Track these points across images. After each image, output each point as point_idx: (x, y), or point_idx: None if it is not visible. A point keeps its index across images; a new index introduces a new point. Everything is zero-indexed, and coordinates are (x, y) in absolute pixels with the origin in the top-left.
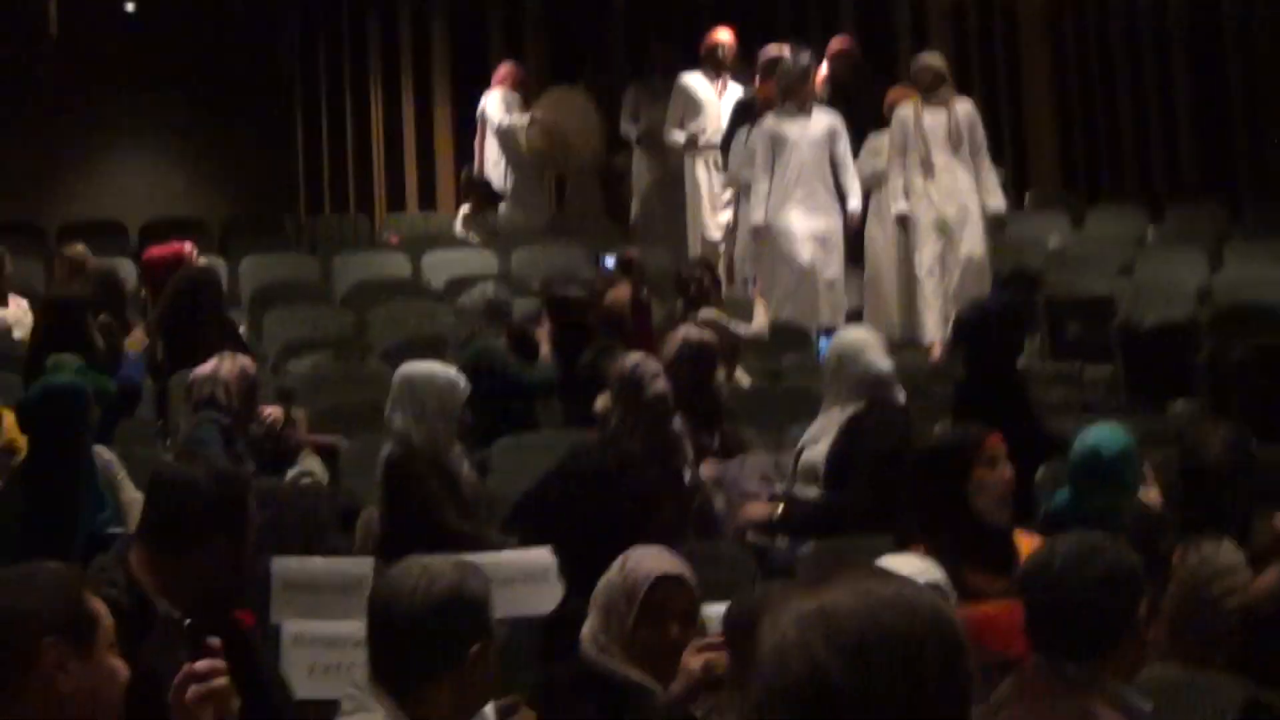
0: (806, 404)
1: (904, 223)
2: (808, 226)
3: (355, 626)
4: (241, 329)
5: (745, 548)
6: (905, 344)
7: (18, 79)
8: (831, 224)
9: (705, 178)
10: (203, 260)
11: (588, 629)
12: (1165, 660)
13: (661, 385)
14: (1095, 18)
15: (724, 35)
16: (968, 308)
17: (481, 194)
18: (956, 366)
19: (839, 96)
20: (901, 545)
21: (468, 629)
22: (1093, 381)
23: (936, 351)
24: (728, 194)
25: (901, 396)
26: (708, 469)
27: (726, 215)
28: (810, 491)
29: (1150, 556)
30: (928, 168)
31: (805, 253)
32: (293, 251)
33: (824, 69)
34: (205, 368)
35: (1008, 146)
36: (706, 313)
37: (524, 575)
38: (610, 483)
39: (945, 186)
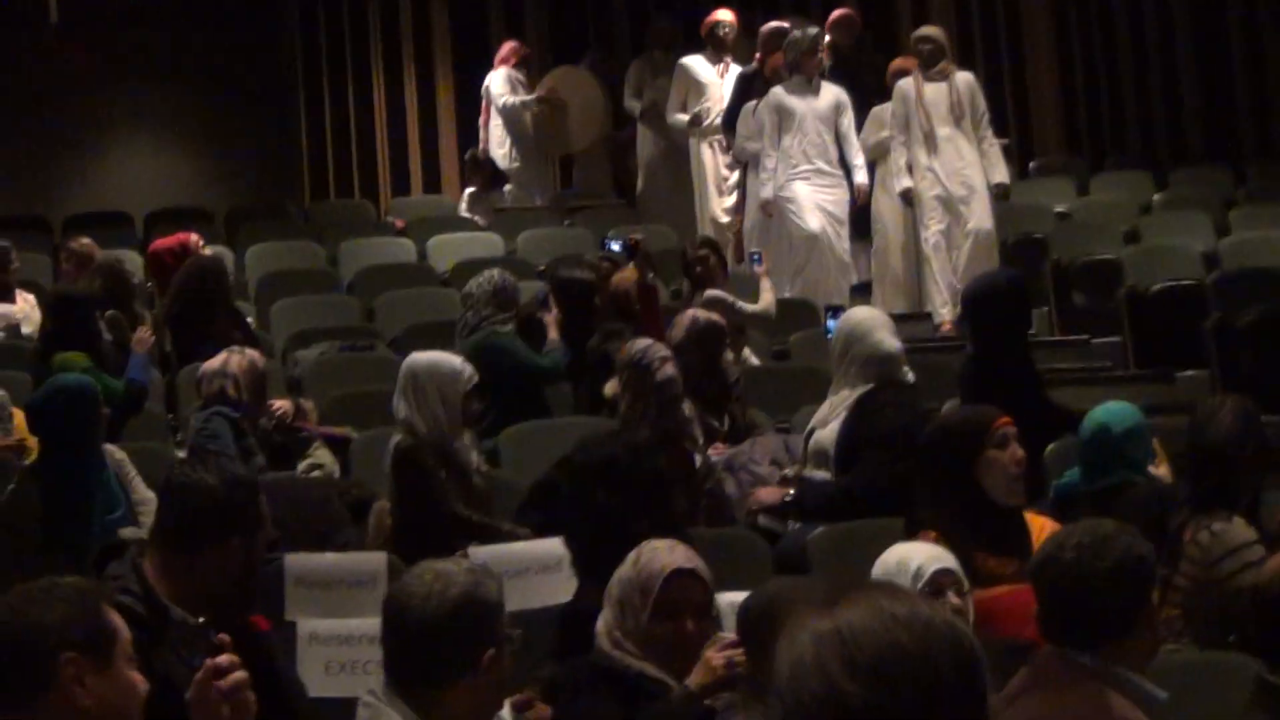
0: (815, 383)
1: (908, 199)
2: (815, 198)
3: (370, 624)
4: (249, 319)
5: (757, 532)
6: (914, 316)
7: (19, 69)
8: (838, 197)
9: (710, 159)
10: (208, 250)
11: (602, 623)
12: (1179, 639)
13: (670, 370)
14: None
15: (725, 14)
16: (975, 282)
17: (486, 174)
18: (965, 340)
19: (840, 66)
20: (912, 530)
21: (482, 634)
22: (1100, 350)
23: (946, 325)
24: (734, 177)
25: (911, 376)
26: (718, 452)
27: (732, 200)
28: (821, 474)
29: (1161, 534)
30: (931, 142)
31: (814, 221)
32: (298, 238)
33: (825, 38)
34: (214, 362)
35: (1011, 115)
36: (712, 292)
37: (537, 566)
38: (621, 473)
39: (949, 161)
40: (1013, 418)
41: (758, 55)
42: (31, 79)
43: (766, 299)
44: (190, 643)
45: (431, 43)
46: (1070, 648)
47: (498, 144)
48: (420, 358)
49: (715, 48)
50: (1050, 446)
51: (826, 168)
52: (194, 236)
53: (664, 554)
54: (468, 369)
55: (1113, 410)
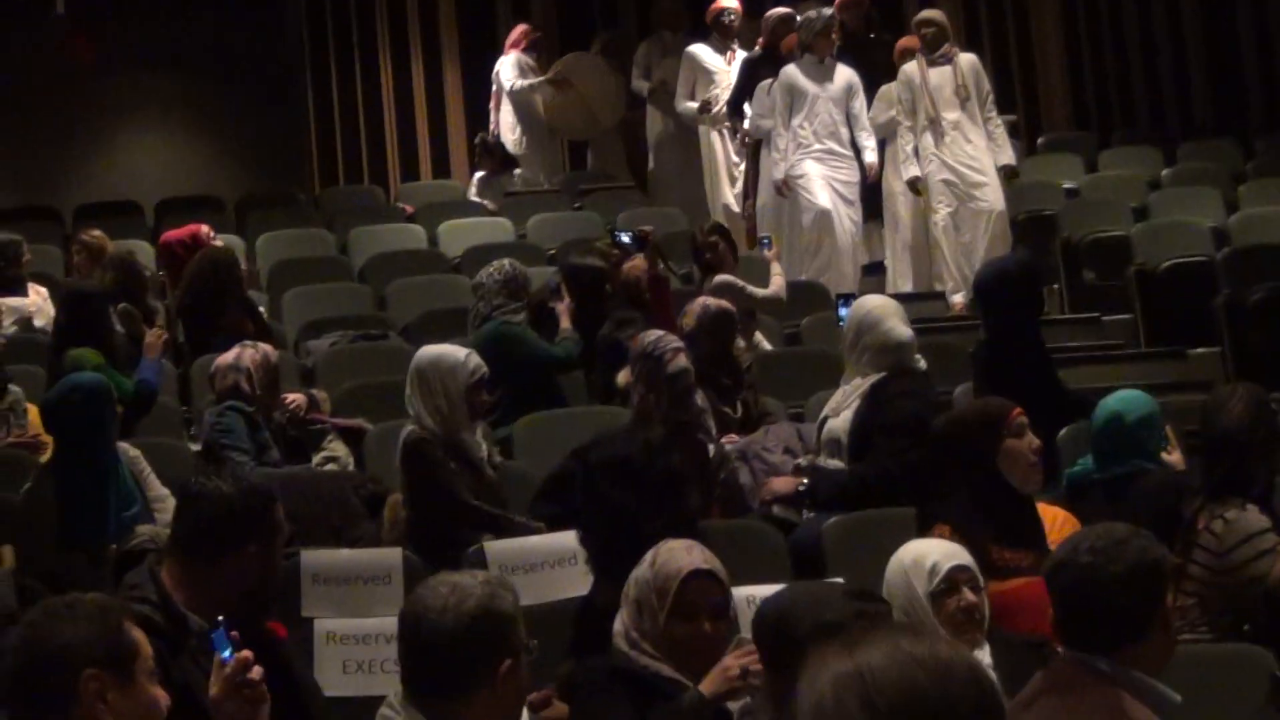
0: (828, 368)
1: (915, 188)
2: (826, 176)
3: (387, 623)
4: (261, 309)
5: (771, 523)
6: (926, 295)
7: (27, 60)
8: (849, 177)
9: (720, 146)
10: (219, 241)
11: (619, 623)
12: (1193, 628)
13: (683, 361)
14: None
15: (730, 1)
16: (987, 267)
17: (496, 158)
18: (977, 321)
19: (850, 46)
20: (925, 523)
21: (498, 645)
22: (1111, 327)
23: (957, 306)
24: (741, 165)
25: (923, 363)
26: (731, 441)
27: (739, 186)
28: (834, 463)
29: (1175, 523)
30: (937, 127)
31: (824, 198)
32: (308, 226)
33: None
34: (227, 356)
35: (1019, 90)
36: (722, 278)
37: (551, 560)
38: (636, 472)
39: (957, 146)
40: (1025, 403)
41: (761, 41)
42: (39, 70)
43: (777, 283)
44: (208, 651)
45: (438, 27)
46: (1085, 651)
47: (509, 129)
48: (426, 352)
49: (721, 34)
50: (1063, 432)
51: (838, 148)
52: (205, 228)
53: (682, 555)
54: (473, 361)
55: (1126, 398)
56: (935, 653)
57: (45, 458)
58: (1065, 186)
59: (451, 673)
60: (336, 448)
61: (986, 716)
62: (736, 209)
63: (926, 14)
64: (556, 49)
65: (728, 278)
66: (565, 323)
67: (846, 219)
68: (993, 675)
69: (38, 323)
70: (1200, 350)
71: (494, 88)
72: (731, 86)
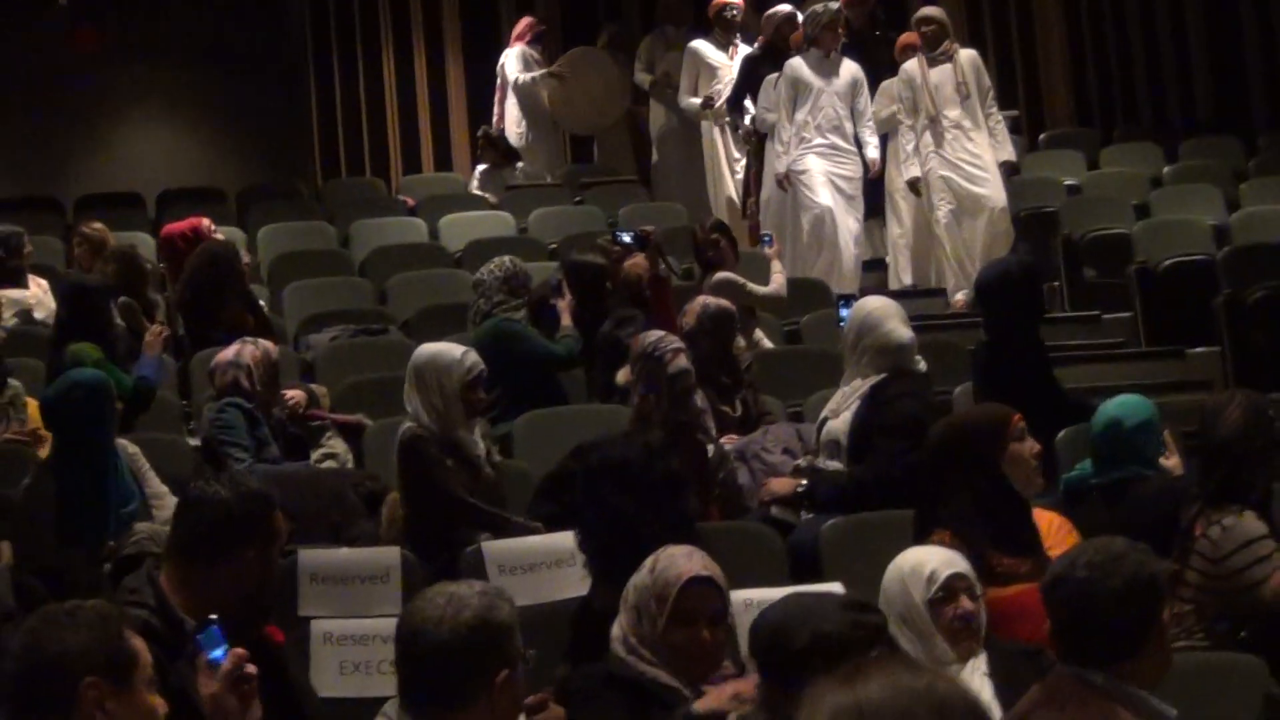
0: (828, 366)
1: (915, 188)
2: (828, 172)
3: (384, 624)
4: (262, 302)
5: (769, 524)
6: (928, 291)
7: (30, 50)
8: (852, 172)
9: (722, 142)
10: (220, 234)
11: (618, 628)
12: (1190, 634)
13: (683, 361)
14: None
15: None
16: (988, 269)
17: (499, 151)
18: (978, 318)
19: (854, 44)
20: (923, 529)
21: (495, 656)
22: (1111, 326)
23: (958, 303)
24: (742, 160)
25: (923, 365)
26: (730, 441)
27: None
28: (833, 464)
29: (1172, 529)
30: (938, 125)
31: (825, 196)
32: (310, 218)
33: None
34: (227, 353)
35: (1021, 86)
36: (722, 275)
37: (549, 560)
38: (635, 476)
39: (958, 143)
40: (1024, 404)
41: (762, 38)
42: (42, 60)
43: (777, 280)
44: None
45: (441, 19)
46: (1081, 665)
47: (514, 122)
48: (423, 350)
49: (723, 29)
50: (1061, 435)
51: (841, 143)
52: (206, 221)
53: (682, 561)
54: (470, 359)
55: (1125, 403)
56: (933, 688)
57: (45, 453)
58: (1066, 183)
59: (448, 684)
60: (335, 444)
61: None
62: (739, 204)
63: (926, 11)
64: (560, 42)
65: (728, 275)
66: (566, 320)
67: (847, 217)
68: (989, 712)
69: (38, 315)
70: (1200, 350)
71: (499, 80)
72: (732, 83)
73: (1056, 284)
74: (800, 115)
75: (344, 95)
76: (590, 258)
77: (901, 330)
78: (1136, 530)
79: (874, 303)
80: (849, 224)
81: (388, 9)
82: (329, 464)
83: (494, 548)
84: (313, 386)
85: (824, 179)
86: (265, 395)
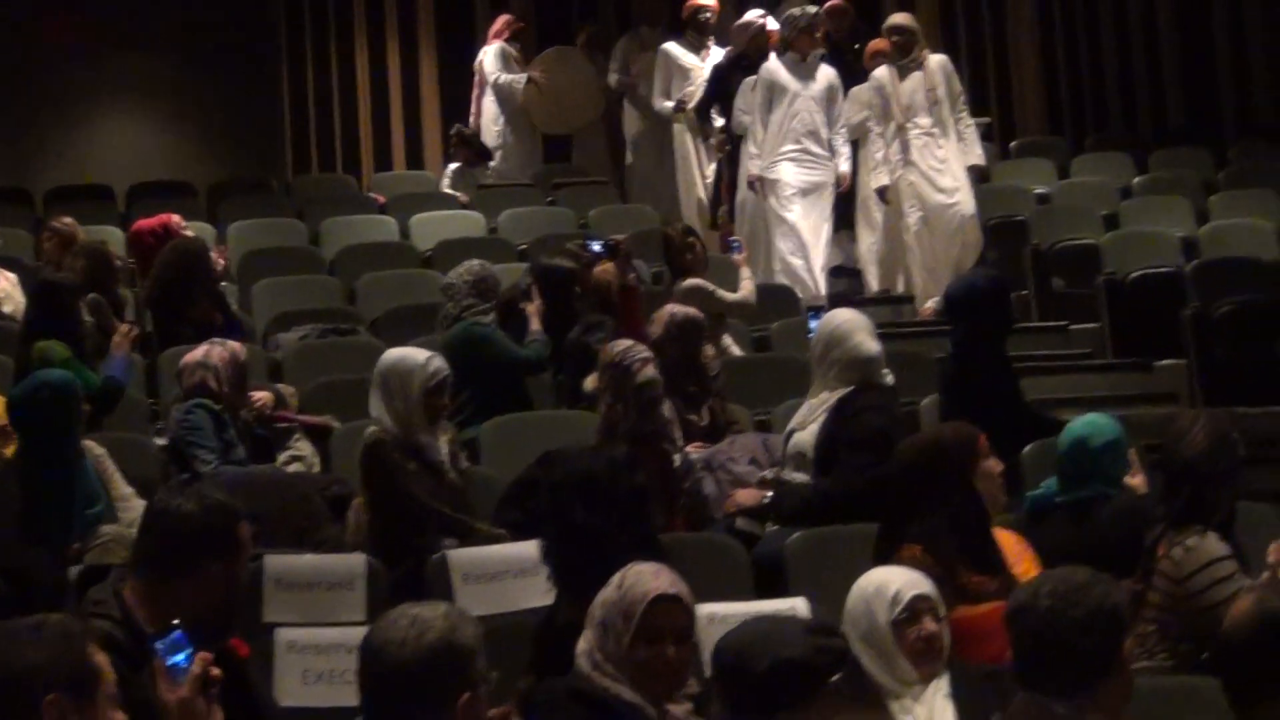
0: (795, 375)
1: (884, 196)
2: (800, 180)
3: (348, 633)
4: (232, 300)
5: (734, 535)
6: (897, 298)
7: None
8: (824, 178)
9: (694, 145)
10: (190, 230)
11: (584, 644)
12: (1153, 655)
13: (650, 371)
14: None
15: None
16: (956, 283)
17: (472, 149)
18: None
19: (834, 57)
20: (889, 545)
21: (457, 680)
22: (1079, 336)
23: (927, 311)
24: (711, 167)
25: (890, 379)
26: (697, 450)
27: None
28: (800, 476)
29: (1136, 550)
30: (908, 134)
31: (795, 212)
32: (280, 214)
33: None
34: (195, 354)
35: (994, 93)
36: (692, 281)
37: (514, 570)
38: (600, 490)
39: (928, 151)
40: (989, 420)
41: (733, 48)
42: (13, 49)
43: (747, 287)
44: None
45: (416, 15)
46: (1043, 694)
47: (491, 120)
48: (388, 355)
49: (697, 31)
50: (1027, 451)
51: (815, 148)
52: (175, 217)
53: (649, 578)
54: (433, 364)
55: (1092, 423)
56: None
57: (10, 451)
58: (1037, 192)
59: (410, 706)
60: (302, 447)
61: None
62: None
63: (896, 20)
64: (535, 41)
65: (698, 281)
66: (535, 325)
67: (819, 228)
68: None
69: (5, 309)
70: (1167, 362)
71: (476, 78)
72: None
73: (1025, 293)
74: (775, 119)
75: (316, 90)
76: (559, 262)
77: (869, 344)
78: (1100, 550)
79: (842, 315)
80: (819, 235)
81: (362, 4)
82: (295, 466)
83: (458, 556)
84: (280, 386)
85: (796, 190)
86: (232, 397)
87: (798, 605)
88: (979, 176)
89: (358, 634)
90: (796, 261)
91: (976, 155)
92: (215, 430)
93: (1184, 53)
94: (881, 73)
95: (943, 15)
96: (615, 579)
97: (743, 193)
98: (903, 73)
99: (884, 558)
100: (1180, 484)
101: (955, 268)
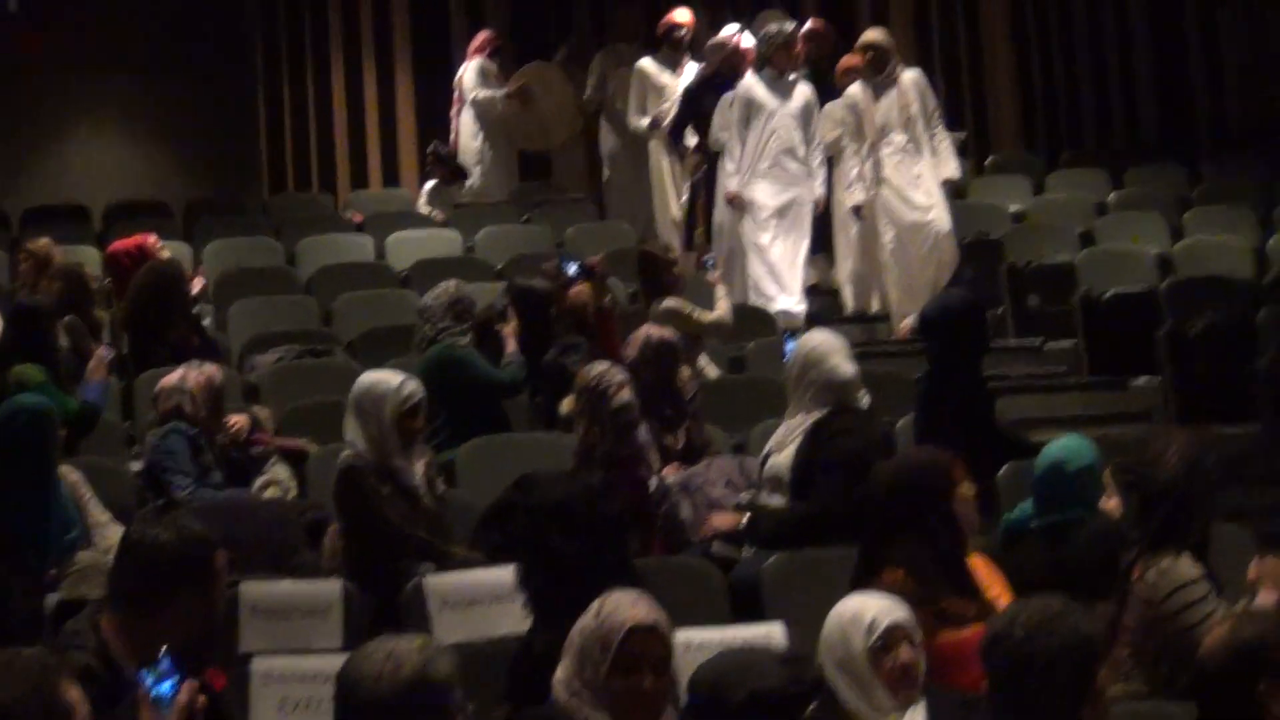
0: (771, 396)
1: (859, 213)
2: (776, 199)
3: (324, 662)
4: (208, 321)
5: (711, 560)
6: (874, 317)
7: None
8: (800, 195)
9: (669, 163)
10: (166, 251)
11: (561, 673)
12: (1128, 679)
13: (626, 395)
14: None
15: (683, 15)
16: (932, 303)
17: (449, 168)
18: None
19: (811, 76)
20: (870, 570)
21: (433, 715)
22: (1055, 354)
23: (903, 331)
24: (685, 191)
25: (866, 400)
26: (673, 473)
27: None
28: (776, 499)
29: (1111, 572)
30: (883, 151)
31: (765, 233)
32: (257, 234)
33: (800, 35)
34: (171, 378)
35: (969, 109)
36: (669, 303)
37: (489, 596)
38: (576, 518)
39: (903, 168)
40: (964, 441)
41: (707, 67)
42: None
43: (722, 306)
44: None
45: (392, 34)
46: None
47: (470, 136)
48: (361, 379)
49: (672, 48)
50: (1002, 473)
51: (792, 165)
52: (152, 238)
53: (627, 608)
54: (407, 388)
55: (1068, 447)
56: None
57: None
58: (1012, 209)
59: None
60: (279, 471)
61: None
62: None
63: (869, 37)
64: (513, 57)
65: (676, 302)
66: (511, 346)
67: (795, 249)
68: None
69: None
70: (1142, 380)
71: (455, 94)
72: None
73: (1001, 311)
74: (753, 136)
75: (293, 108)
76: (535, 283)
77: (845, 366)
78: (1076, 574)
79: (818, 337)
80: (796, 255)
81: (338, 23)
82: (272, 491)
83: (434, 583)
84: (256, 409)
85: (772, 211)
86: (209, 421)
87: (774, 631)
88: (954, 190)
89: (335, 662)
90: (769, 290)
91: (951, 169)
92: (191, 455)
93: (1158, 67)
94: (855, 90)
95: (917, 30)
96: (593, 607)
97: (720, 211)
98: (876, 90)
99: (862, 583)
100: (1154, 507)
101: (931, 286)
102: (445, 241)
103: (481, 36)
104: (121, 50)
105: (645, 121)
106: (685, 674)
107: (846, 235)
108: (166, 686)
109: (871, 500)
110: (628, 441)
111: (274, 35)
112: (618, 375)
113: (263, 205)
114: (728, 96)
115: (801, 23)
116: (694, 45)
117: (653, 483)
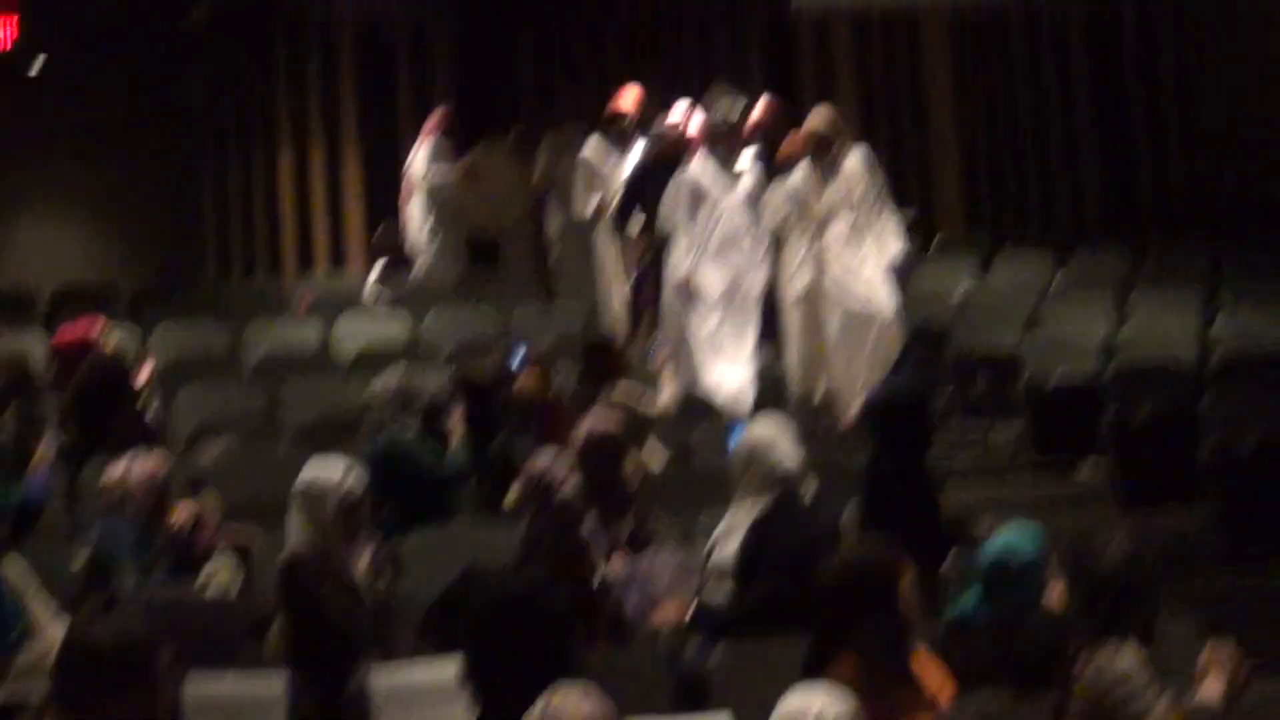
0: (717, 485)
1: (804, 296)
2: (723, 285)
3: None
4: (155, 405)
5: (656, 657)
6: (817, 408)
7: None
8: (750, 279)
9: (615, 247)
10: (113, 338)
11: None
12: None
13: (570, 490)
14: (1000, 64)
15: (626, 103)
16: (876, 392)
17: (396, 250)
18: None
19: (765, 154)
20: (819, 660)
21: None
22: (1000, 442)
23: (847, 419)
24: (632, 275)
25: (812, 490)
26: (618, 564)
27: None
28: (721, 590)
29: (1055, 664)
30: (828, 238)
31: (714, 320)
32: (204, 318)
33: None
34: (115, 471)
35: (914, 189)
36: (622, 388)
37: (433, 694)
38: (520, 612)
39: (848, 254)
40: (907, 529)
41: (653, 151)
42: None
43: (667, 393)
44: None
45: (340, 116)
46: None
47: (419, 225)
48: (303, 474)
49: (617, 134)
50: (947, 563)
51: (740, 249)
52: (98, 327)
53: (574, 702)
54: (348, 481)
55: (1012, 541)
56: None
57: None
58: (959, 291)
59: None
60: (223, 563)
61: None
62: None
63: (811, 124)
64: (460, 138)
65: (627, 388)
66: (455, 437)
67: (742, 335)
68: None
69: None
70: (1088, 466)
71: (404, 184)
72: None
73: (947, 396)
74: (700, 222)
75: (239, 190)
76: (481, 371)
77: (789, 457)
78: (1021, 666)
79: (762, 429)
80: (743, 341)
81: (285, 106)
82: (217, 583)
83: (377, 680)
84: (203, 495)
85: (719, 298)
86: (153, 514)
87: None
88: (900, 265)
89: None
90: (714, 377)
91: (896, 245)
92: (135, 549)
93: (1103, 150)
94: (799, 174)
95: (863, 109)
96: (540, 703)
97: (669, 295)
98: (823, 173)
99: (813, 673)
100: (1098, 598)
101: (876, 372)
102: (392, 326)
103: (436, 114)
104: (65, 134)
105: (590, 207)
106: None
107: (791, 321)
108: None
109: (819, 595)
110: (573, 533)
111: (221, 119)
112: (562, 469)
113: (211, 289)
114: (675, 181)
115: (752, 101)
116: (643, 122)
117: (598, 575)
